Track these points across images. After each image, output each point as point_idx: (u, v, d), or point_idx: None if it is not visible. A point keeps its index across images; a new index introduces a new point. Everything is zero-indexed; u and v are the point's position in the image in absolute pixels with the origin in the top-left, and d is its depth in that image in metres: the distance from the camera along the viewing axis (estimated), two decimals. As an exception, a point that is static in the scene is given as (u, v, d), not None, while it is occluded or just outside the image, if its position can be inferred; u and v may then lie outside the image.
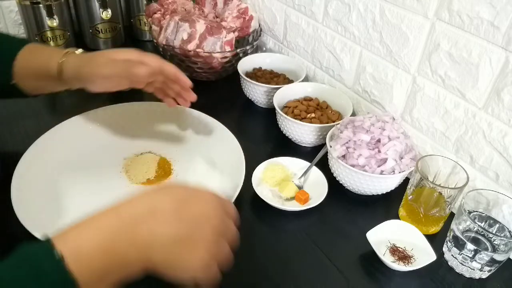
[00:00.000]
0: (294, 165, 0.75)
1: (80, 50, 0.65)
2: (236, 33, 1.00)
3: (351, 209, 0.70)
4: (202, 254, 0.40)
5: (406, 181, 0.70)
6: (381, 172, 0.67)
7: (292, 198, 0.69)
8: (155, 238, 0.39)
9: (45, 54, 0.64)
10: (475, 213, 0.62)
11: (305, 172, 0.72)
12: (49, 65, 0.62)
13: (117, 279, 0.38)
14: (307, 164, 0.74)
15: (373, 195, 0.71)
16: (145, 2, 1.17)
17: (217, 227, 0.42)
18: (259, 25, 1.10)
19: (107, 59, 0.62)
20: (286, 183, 0.70)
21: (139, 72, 0.61)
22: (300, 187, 0.71)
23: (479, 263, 0.57)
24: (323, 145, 0.76)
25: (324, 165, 0.75)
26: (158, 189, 0.43)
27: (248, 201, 0.69)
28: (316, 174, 0.73)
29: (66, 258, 0.35)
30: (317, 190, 0.70)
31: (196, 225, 0.41)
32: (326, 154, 0.73)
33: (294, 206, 0.68)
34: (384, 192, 0.70)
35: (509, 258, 0.60)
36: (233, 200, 0.63)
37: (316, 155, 0.80)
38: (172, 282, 0.41)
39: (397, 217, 0.69)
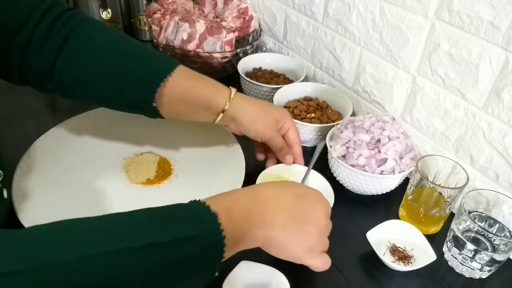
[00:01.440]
0: (290, 170, 0.70)
1: (234, 90, 0.67)
2: (236, 33, 1.00)
3: (351, 209, 0.70)
4: (309, 244, 0.50)
5: (406, 181, 0.70)
6: (381, 172, 0.67)
7: None
8: (277, 221, 0.47)
9: (208, 85, 0.65)
10: (475, 213, 0.62)
11: (305, 177, 0.68)
12: (215, 99, 0.64)
13: (243, 247, 0.47)
14: (304, 168, 0.70)
15: (373, 195, 0.71)
16: (145, 2, 1.16)
17: (325, 225, 0.51)
18: (259, 25, 1.10)
19: (263, 116, 0.67)
20: None
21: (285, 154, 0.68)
22: None
23: (479, 263, 0.57)
24: (323, 145, 0.75)
25: (324, 165, 0.75)
26: (282, 182, 0.54)
27: (248, 201, 0.69)
28: (320, 181, 0.68)
29: (219, 215, 0.42)
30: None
31: (308, 218, 0.49)
32: (326, 154, 0.73)
33: None
34: (384, 192, 0.70)
35: (509, 258, 0.60)
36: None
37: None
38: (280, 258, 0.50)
39: (397, 217, 0.69)
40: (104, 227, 0.39)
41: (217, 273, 0.44)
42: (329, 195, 0.64)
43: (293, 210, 0.49)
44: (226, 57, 0.96)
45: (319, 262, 0.51)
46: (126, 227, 0.39)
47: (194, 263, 0.41)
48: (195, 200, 0.44)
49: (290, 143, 0.69)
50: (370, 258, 0.60)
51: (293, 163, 0.69)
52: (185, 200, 0.67)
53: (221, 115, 0.65)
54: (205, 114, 0.66)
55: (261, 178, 0.67)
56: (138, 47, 0.63)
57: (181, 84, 0.62)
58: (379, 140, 0.68)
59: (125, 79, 0.60)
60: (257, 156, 0.74)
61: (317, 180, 0.69)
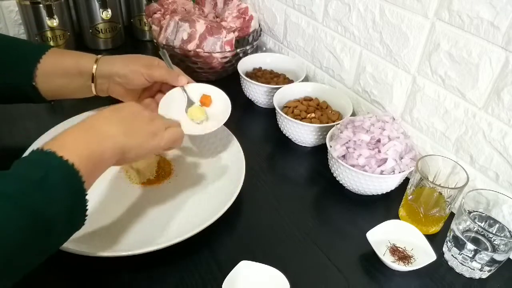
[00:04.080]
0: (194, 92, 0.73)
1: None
2: (236, 33, 1.00)
3: (351, 209, 0.70)
4: (147, 130, 0.55)
5: (406, 181, 0.70)
6: (381, 172, 0.67)
7: (203, 119, 0.70)
8: (112, 131, 0.51)
9: (77, 54, 0.70)
10: (475, 213, 0.62)
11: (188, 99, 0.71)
12: (82, 62, 0.68)
13: (101, 168, 0.50)
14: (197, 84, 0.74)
15: (373, 195, 0.71)
16: (145, 2, 1.17)
17: (145, 113, 0.57)
18: (259, 25, 1.10)
19: (134, 58, 0.70)
20: (192, 110, 0.70)
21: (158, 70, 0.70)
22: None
23: (479, 263, 0.57)
24: (323, 145, 0.75)
25: (324, 165, 0.75)
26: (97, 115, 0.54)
27: (248, 200, 0.69)
28: (220, 95, 0.73)
29: (56, 151, 0.44)
30: (221, 106, 0.71)
31: (133, 116, 0.55)
32: (326, 154, 0.73)
33: None
34: (384, 192, 0.70)
35: (509, 258, 0.60)
36: (233, 200, 0.63)
37: (316, 155, 0.81)
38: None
39: (397, 217, 0.69)
40: None
41: (86, 216, 0.47)
42: (222, 96, 0.72)
43: (119, 117, 0.53)
44: (226, 57, 0.96)
45: (170, 136, 0.58)
46: None
47: (57, 198, 0.42)
48: (32, 150, 0.45)
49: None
50: (370, 258, 0.60)
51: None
52: (185, 200, 0.67)
53: (96, 79, 0.68)
54: (81, 83, 0.68)
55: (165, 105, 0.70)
56: (10, 39, 0.69)
57: (54, 60, 0.67)
58: (379, 140, 0.68)
59: (3, 66, 0.65)
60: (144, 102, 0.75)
61: (210, 90, 0.73)
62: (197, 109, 0.70)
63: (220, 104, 0.72)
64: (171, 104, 0.70)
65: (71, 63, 0.67)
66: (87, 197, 0.46)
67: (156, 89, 0.74)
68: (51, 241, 0.44)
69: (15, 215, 0.39)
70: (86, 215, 0.47)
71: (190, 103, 0.71)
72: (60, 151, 0.44)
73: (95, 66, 0.67)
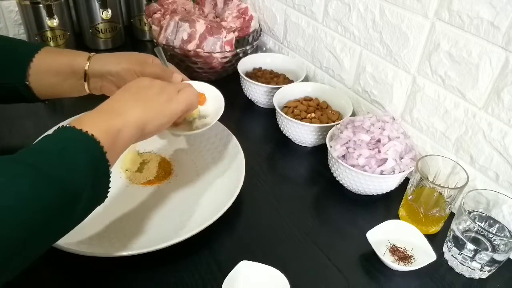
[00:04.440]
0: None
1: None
2: (236, 33, 1.00)
3: (351, 209, 0.70)
4: (163, 97, 0.55)
5: (406, 181, 0.70)
6: (381, 172, 0.67)
7: (196, 117, 0.70)
8: (128, 106, 0.52)
9: (70, 53, 0.70)
10: (475, 213, 0.62)
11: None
12: (75, 61, 0.68)
13: (125, 144, 0.50)
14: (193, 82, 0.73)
15: (373, 195, 0.71)
16: (145, 2, 1.17)
17: (156, 82, 0.57)
18: (259, 25, 1.10)
19: (127, 56, 0.70)
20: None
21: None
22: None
23: (479, 263, 0.57)
24: (323, 145, 0.75)
25: (324, 165, 0.75)
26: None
27: (248, 200, 0.69)
28: (214, 93, 0.72)
29: (75, 126, 0.45)
30: (215, 104, 0.71)
31: (146, 88, 0.55)
32: (326, 154, 0.73)
33: None
34: (384, 192, 0.70)
35: (509, 258, 0.60)
36: (233, 200, 0.63)
37: (316, 155, 0.81)
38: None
39: (397, 217, 0.69)
40: None
41: (109, 190, 0.48)
42: (216, 95, 0.71)
43: (129, 93, 0.54)
44: (226, 57, 0.96)
45: (185, 98, 0.58)
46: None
47: (83, 168, 0.43)
48: (59, 126, 0.46)
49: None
50: (370, 258, 0.60)
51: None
52: (185, 200, 0.67)
53: (89, 77, 0.68)
54: (74, 82, 0.68)
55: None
56: (3, 38, 0.69)
57: (46, 59, 0.67)
58: (379, 140, 0.68)
59: None
60: None
61: (204, 88, 0.72)
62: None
63: (214, 102, 0.72)
64: None
65: (64, 62, 0.67)
66: (110, 168, 0.47)
67: None
68: (76, 213, 0.43)
69: (39, 184, 0.39)
70: (109, 187, 0.48)
71: None
72: (79, 126, 0.45)
73: (87, 64, 0.67)
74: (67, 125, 0.46)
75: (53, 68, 0.67)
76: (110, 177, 0.47)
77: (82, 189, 0.43)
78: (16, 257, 0.38)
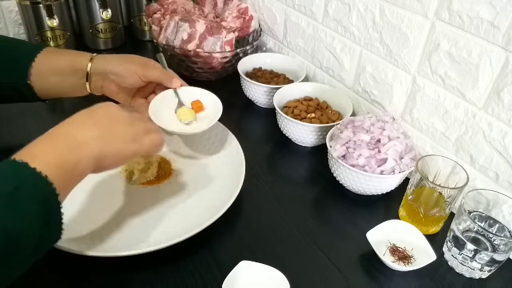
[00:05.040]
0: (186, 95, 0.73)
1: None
2: (236, 33, 1.00)
3: (351, 209, 0.70)
4: (126, 134, 0.52)
5: (406, 181, 0.70)
6: (381, 172, 0.67)
7: (192, 120, 0.71)
8: (87, 137, 0.48)
9: (72, 53, 0.70)
10: (475, 213, 0.62)
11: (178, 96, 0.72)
12: (77, 61, 0.68)
13: (77, 179, 0.47)
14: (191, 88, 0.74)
15: (373, 195, 0.71)
16: (145, 2, 1.17)
17: (123, 114, 0.53)
18: (259, 25, 1.10)
19: (129, 58, 0.70)
20: (181, 110, 0.71)
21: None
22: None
23: (479, 263, 0.57)
24: (323, 145, 0.75)
25: (324, 165, 0.75)
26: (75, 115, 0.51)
27: (248, 201, 0.69)
28: (213, 100, 0.73)
29: (28, 163, 0.41)
30: (213, 108, 0.72)
31: (107, 118, 0.51)
32: (326, 154, 0.73)
33: None
34: (384, 192, 0.70)
35: (509, 258, 0.60)
36: (233, 200, 0.63)
37: (316, 155, 0.81)
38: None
39: (397, 217, 0.68)
40: None
41: (62, 231, 0.45)
42: (214, 101, 0.72)
43: (93, 120, 0.50)
44: (226, 57, 0.96)
45: (150, 142, 0.55)
46: None
47: (32, 213, 0.40)
48: (12, 159, 0.43)
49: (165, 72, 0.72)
50: (370, 258, 0.60)
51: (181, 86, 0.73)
52: (185, 200, 0.67)
53: (90, 76, 0.68)
54: (75, 81, 0.69)
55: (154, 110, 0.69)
56: (5, 39, 0.69)
57: (48, 59, 0.67)
58: (379, 140, 0.68)
59: None
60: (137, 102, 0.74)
61: (201, 94, 0.73)
62: (186, 111, 0.71)
63: (212, 108, 0.72)
64: (162, 105, 0.70)
65: (65, 62, 0.68)
66: (62, 210, 0.44)
67: (150, 91, 0.74)
68: (24, 257, 0.41)
69: None
70: (62, 229, 0.45)
71: (180, 105, 0.71)
72: (32, 161, 0.42)
73: (90, 64, 0.68)
74: (20, 161, 0.42)
75: (55, 68, 0.67)
76: (61, 219, 0.44)
77: (29, 234, 0.40)
78: None
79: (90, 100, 0.72)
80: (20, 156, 0.43)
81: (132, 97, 0.74)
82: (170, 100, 0.72)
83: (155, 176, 0.71)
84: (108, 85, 0.70)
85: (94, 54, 0.69)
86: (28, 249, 0.40)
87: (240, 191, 0.65)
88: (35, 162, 0.42)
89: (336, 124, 0.76)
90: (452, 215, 0.63)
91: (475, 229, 0.59)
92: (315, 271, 0.59)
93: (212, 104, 0.73)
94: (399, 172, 0.67)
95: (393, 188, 0.70)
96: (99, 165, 0.49)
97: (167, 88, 0.72)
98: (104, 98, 0.72)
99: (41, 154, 0.44)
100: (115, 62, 0.68)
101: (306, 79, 0.95)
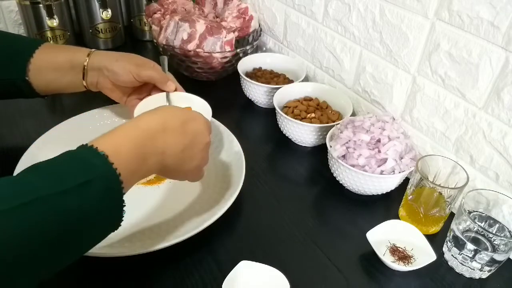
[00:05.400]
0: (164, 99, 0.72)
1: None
2: (236, 33, 1.00)
3: (351, 209, 0.70)
4: (198, 162, 0.55)
5: (406, 181, 0.70)
6: (381, 172, 0.67)
7: None
8: (167, 149, 0.50)
9: (70, 49, 0.70)
10: (475, 213, 0.62)
11: (168, 98, 0.71)
12: (75, 56, 0.68)
13: (140, 178, 0.48)
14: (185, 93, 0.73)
15: (373, 195, 0.71)
16: (145, 2, 1.17)
17: (207, 142, 0.56)
18: (259, 25, 1.10)
19: (126, 56, 0.71)
20: None
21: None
22: None
23: (479, 263, 0.57)
24: (323, 145, 0.75)
25: (324, 165, 0.75)
26: (162, 110, 0.52)
27: (248, 201, 0.69)
28: (203, 108, 0.71)
29: (109, 156, 0.42)
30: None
31: (194, 139, 0.53)
32: (326, 154, 0.73)
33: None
34: (384, 192, 0.70)
35: (509, 258, 0.60)
36: (233, 200, 0.63)
37: (316, 155, 0.81)
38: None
39: (397, 217, 0.69)
40: None
41: (123, 219, 0.45)
42: (204, 108, 0.71)
43: (180, 134, 0.51)
44: (226, 57, 0.96)
45: (200, 175, 0.59)
46: (15, 187, 0.38)
47: (96, 206, 0.41)
48: (82, 145, 0.43)
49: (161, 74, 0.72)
50: (370, 258, 0.60)
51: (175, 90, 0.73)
52: (185, 200, 0.67)
53: (87, 71, 0.68)
54: (72, 76, 0.69)
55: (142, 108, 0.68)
56: (3, 34, 0.69)
57: (47, 55, 0.67)
58: (379, 140, 0.68)
59: None
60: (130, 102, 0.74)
61: (192, 100, 0.72)
62: None
63: (202, 111, 0.71)
64: (150, 107, 0.69)
65: (64, 57, 0.68)
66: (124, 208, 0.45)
67: (146, 92, 0.74)
68: (82, 243, 0.43)
69: (46, 218, 0.37)
70: (120, 225, 0.46)
71: None
72: (112, 156, 0.42)
73: (87, 59, 0.68)
74: (102, 153, 0.42)
75: (53, 63, 0.67)
76: (122, 216, 0.45)
77: (91, 224, 0.41)
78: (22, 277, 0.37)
79: (89, 99, 0.73)
80: (103, 145, 0.43)
81: (128, 96, 0.74)
82: (160, 103, 0.70)
83: (155, 176, 0.71)
84: (103, 81, 0.70)
85: (93, 50, 0.69)
86: (87, 237, 0.42)
87: (240, 191, 0.65)
88: (114, 157, 0.43)
89: (336, 124, 0.76)
90: (452, 215, 0.63)
91: (475, 229, 0.59)
92: (315, 271, 0.59)
93: (201, 107, 0.71)
94: (399, 172, 0.67)
95: (393, 188, 0.70)
96: (161, 173, 0.52)
97: (163, 91, 0.72)
98: (101, 95, 0.73)
99: (123, 152, 0.44)
100: (111, 58, 0.69)
101: (306, 79, 0.95)
